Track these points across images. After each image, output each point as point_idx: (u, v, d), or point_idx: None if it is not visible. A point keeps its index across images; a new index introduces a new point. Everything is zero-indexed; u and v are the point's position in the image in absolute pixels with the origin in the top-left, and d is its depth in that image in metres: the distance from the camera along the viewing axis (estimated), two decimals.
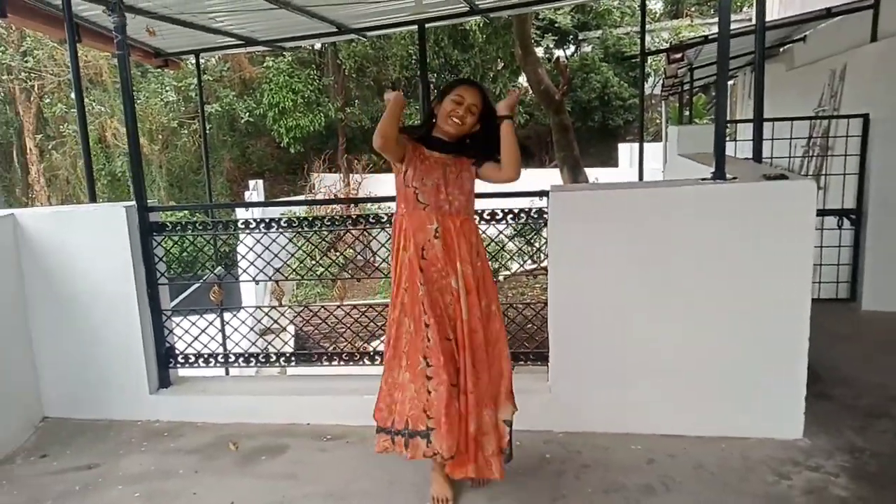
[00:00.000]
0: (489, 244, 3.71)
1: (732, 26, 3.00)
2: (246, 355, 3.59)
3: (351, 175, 19.17)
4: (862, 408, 3.26)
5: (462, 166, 2.53)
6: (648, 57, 11.57)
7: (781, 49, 9.23)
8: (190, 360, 3.61)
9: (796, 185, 2.84)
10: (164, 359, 3.56)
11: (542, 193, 3.18)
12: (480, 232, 3.08)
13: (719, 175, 2.94)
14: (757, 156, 3.71)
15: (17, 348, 3.43)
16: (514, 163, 2.46)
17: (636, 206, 2.98)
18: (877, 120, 4.73)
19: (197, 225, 3.64)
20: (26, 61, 17.46)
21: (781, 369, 2.91)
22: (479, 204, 3.10)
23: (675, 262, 2.93)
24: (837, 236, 4.85)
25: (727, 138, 3.09)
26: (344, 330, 3.69)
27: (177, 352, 3.62)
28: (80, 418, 3.53)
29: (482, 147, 2.54)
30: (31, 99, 18.25)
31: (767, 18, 4.53)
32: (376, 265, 3.78)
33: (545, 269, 3.24)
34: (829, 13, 6.19)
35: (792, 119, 5.34)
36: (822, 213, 4.64)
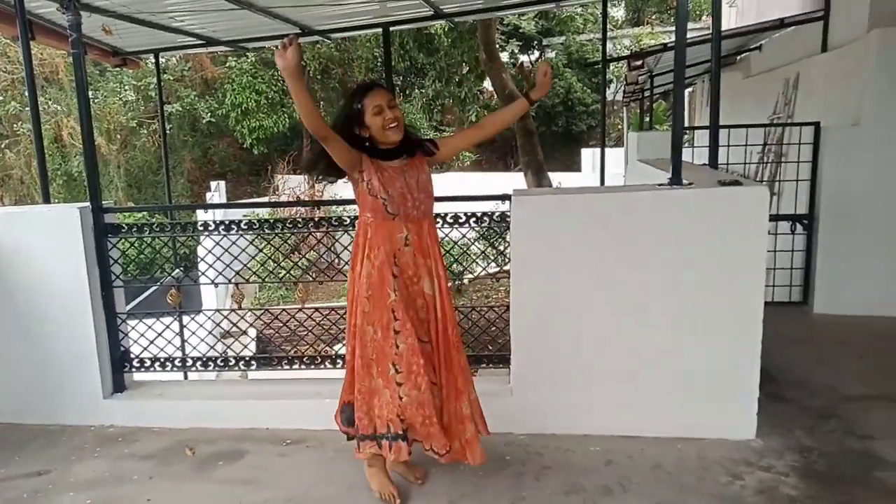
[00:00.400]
0: (452, 247, 3.73)
1: (690, 35, 3.08)
2: (204, 359, 3.53)
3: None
4: (813, 408, 3.36)
5: (419, 168, 2.54)
6: (610, 64, 11.77)
7: (738, 58, 9.50)
8: (146, 365, 3.53)
9: (750, 191, 2.92)
10: (119, 363, 3.48)
11: (504, 197, 3.21)
12: (442, 235, 3.13)
13: (676, 180, 3.01)
14: (713, 162, 3.80)
15: None
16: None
17: (596, 211, 3.02)
18: (828, 128, 4.89)
19: (155, 226, 3.57)
20: None
21: (736, 371, 2.98)
22: (443, 207, 3.13)
23: (633, 266, 2.98)
24: (791, 241, 5.00)
25: (685, 144, 3.17)
26: (306, 333, 3.66)
27: (132, 355, 3.54)
28: (32, 424, 3.43)
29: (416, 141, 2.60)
30: None
31: (724, 27, 4.65)
32: (339, 268, 3.76)
33: (506, 272, 3.27)
34: (782, 24, 6.39)
35: (747, 126, 5.48)
36: (775, 217, 4.78)
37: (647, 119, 12.25)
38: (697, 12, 20.45)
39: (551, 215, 3.07)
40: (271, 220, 3.51)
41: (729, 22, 10.63)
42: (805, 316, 4.94)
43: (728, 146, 4.95)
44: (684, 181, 3.01)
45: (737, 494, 2.62)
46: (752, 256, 2.90)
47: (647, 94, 11.62)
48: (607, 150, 8.20)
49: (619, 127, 19.53)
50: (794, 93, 6.40)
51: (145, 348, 3.55)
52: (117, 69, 17.01)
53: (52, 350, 3.37)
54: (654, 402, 3.06)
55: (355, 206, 2.62)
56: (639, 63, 7.56)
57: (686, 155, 3.28)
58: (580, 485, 2.72)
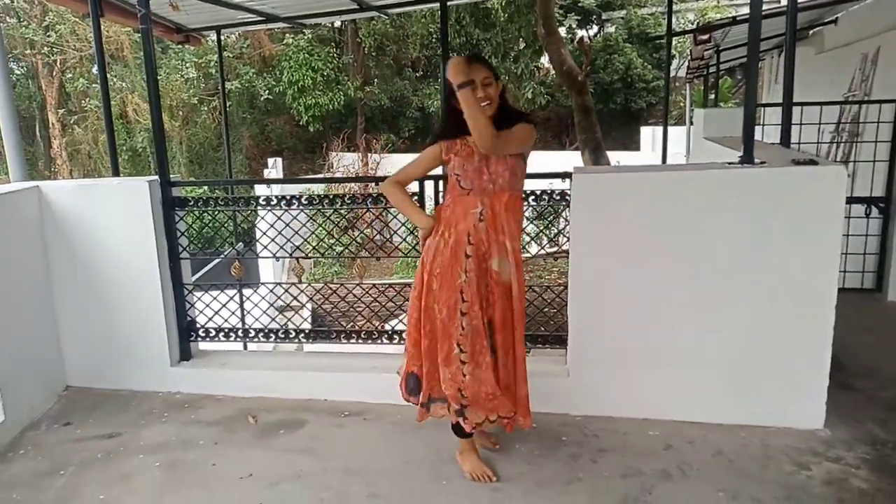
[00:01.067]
0: None
1: (763, 7, 2.92)
2: (265, 330, 3.62)
3: (369, 154, 19.16)
4: (884, 400, 3.21)
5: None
6: (674, 38, 11.36)
7: (811, 32, 9.01)
8: (210, 334, 3.64)
9: (826, 170, 2.78)
10: (185, 332, 3.60)
11: (565, 175, 3.15)
12: None
13: (747, 159, 2.88)
14: (785, 140, 3.63)
15: (42, 318, 3.48)
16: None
17: (661, 190, 2.93)
18: None
19: (218, 201, 3.65)
20: (48, 36, 17.57)
21: (804, 358, 2.87)
22: None
23: (699, 248, 2.89)
24: (865, 225, 4.76)
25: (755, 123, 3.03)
26: (363, 308, 3.70)
27: (198, 325, 3.65)
28: (103, 388, 3.59)
29: (506, 105, 2.54)
30: (54, 73, 18.39)
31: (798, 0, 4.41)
32: (395, 244, 3.77)
33: (564, 252, 3.21)
34: None
35: (821, 104, 5.21)
36: (849, 200, 4.55)
37: (712, 96, 11.80)
38: None
39: (613, 194, 2.99)
40: (330, 196, 3.54)
41: None
42: (878, 304, 4.72)
43: (800, 125, 4.72)
44: (756, 160, 2.88)
45: (803, 485, 2.54)
46: (827, 240, 2.77)
47: (712, 70, 11.19)
48: (669, 128, 7.96)
49: (682, 104, 18.89)
50: (872, 68, 6.05)
51: (210, 319, 3.65)
52: (179, 47, 17.48)
53: (123, 319, 3.50)
54: (717, 387, 2.98)
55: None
56: (705, 37, 7.27)
57: (755, 134, 3.14)
58: (638, 468, 2.68)
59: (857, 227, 4.69)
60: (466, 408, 2.50)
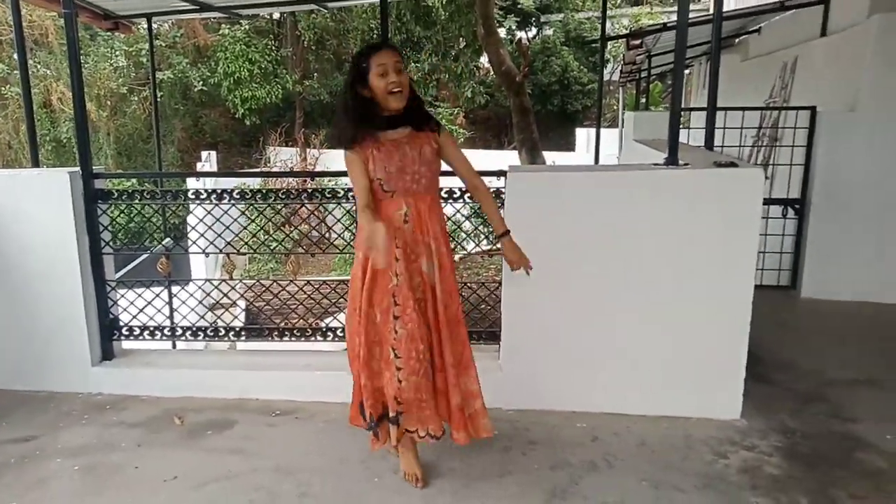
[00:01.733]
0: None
1: (690, 15, 3.05)
2: (194, 328, 3.52)
3: (308, 150, 18.86)
4: (798, 391, 3.40)
5: (424, 141, 2.44)
6: (608, 42, 11.67)
7: (737, 40, 9.44)
8: (135, 333, 3.52)
9: (745, 172, 2.92)
10: (108, 331, 3.46)
11: (499, 173, 3.19)
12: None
13: (672, 161, 3.00)
14: (709, 143, 3.79)
15: None
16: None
17: (592, 190, 3.01)
18: (823, 112, 4.88)
19: (145, 194, 3.52)
20: None
21: (723, 352, 3.01)
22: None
23: (626, 245, 2.98)
24: (781, 225, 5.02)
25: (681, 126, 3.15)
26: (297, 305, 3.64)
27: (121, 324, 3.52)
28: (19, 390, 3.43)
29: (416, 98, 2.46)
30: None
31: (724, 9, 4.61)
32: (332, 241, 3.74)
33: (494, 251, 3.25)
34: (782, 6, 6.35)
35: (743, 109, 5.46)
36: (767, 202, 4.79)
37: (643, 100, 12.18)
38: None
39: (546, 192, 3.05)
40: (264, 191, 3.48)
41: (729, 3, 10.53)
42: (793, 300, 4.98)
43: (724, 129, 4.94)
44: (680, 161, 3.00)
45: (721, 473, 2.66)
46: (745, 239, 2.91)
47: (643, 74, 11.54)
48: (602, 130, 8.16)
49: (615, 107, 19.45)
50: (791, 77, 6.38)
51: (134, 316, 3.53)
52: (108, 34, 16.74)
53: (41, 316, 3.35)
54: (641, 380, 3.09)
55: (347, 179, 2.61)
56: (637, 42, 7.50)
57: (681, 136, 3.27)
58: (566, 460, 2.75)
59: (775, 226, 4.95)
60: (401, 415, 2.44)
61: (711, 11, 3.81)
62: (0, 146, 17.84)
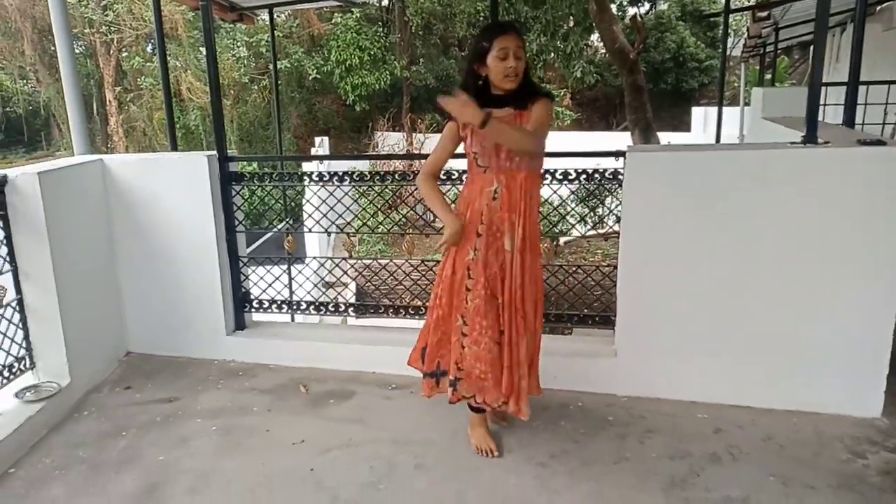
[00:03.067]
0: (552, 208, 3.65)
1: None
2: (316, 303, 3.70)
3: (414, 134, 19.18)
4: None
5: (522, 120, 2.44)
6: (731, 15, 10.99)
7: (878, 8, 8.61)
8: (263, 306, 3.74)
9: (894, 151, 2.67)
10: (240, 303, 3.70)
11: (618, 154, 3.11)
12: (549, 192, 3.07)
13: (811, 139, 2.79)
14: (849, 121, 3.50)
15: (105, 286, 3.62)
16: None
17: (720, 170, 2.86)
18: None
19: (273, 176, 3.72)
20: (106, 15, 18.06)
21: (864, 344, 2.78)
22: (552, 163, 3.06)
23: (758, 230, 2.81)
24: None
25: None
26: (410, 284, 3.74)
27: (251, 297, 3.76)
28: (161, 355, 3.73)
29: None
30: (111, 52, 18.93)
31: None
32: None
33: (614, 233, 3.18)
34: None
35: (888, 82, 4.99)
36: None
37: (769, 76, 11.39)
38: None
39: (669, 173, 2.94)
40: (381, 173, 3.58)
41: None
42: None
43: (865, 105, 4.55)
44: (820, 140, 2.79)
45: (859, 473, 2.48)
46: (894, 224, 2.67)
47: (769, 49, 10.80)
48: (723, 109, 7.73)
49: (736, 84, 18.32)
50: None
51: (263, 291, 3.75)
52: (230, 26, 17.75)
53: (181, 288, 3.63)
54: (769, 371, 2.92)
55: (454, 163, 2.65)
56: (765, 14, 7.01)
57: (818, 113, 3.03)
58: (686, 450, 2.66)
59: None
60: (459, 381, 2.53)
61: None
62: (136, 133, 19.44)
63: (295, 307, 3.74)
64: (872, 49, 7.94)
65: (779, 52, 12.74)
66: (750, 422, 2.85)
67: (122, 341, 3.76)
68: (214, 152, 3.55)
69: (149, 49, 19.04)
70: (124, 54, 18.77)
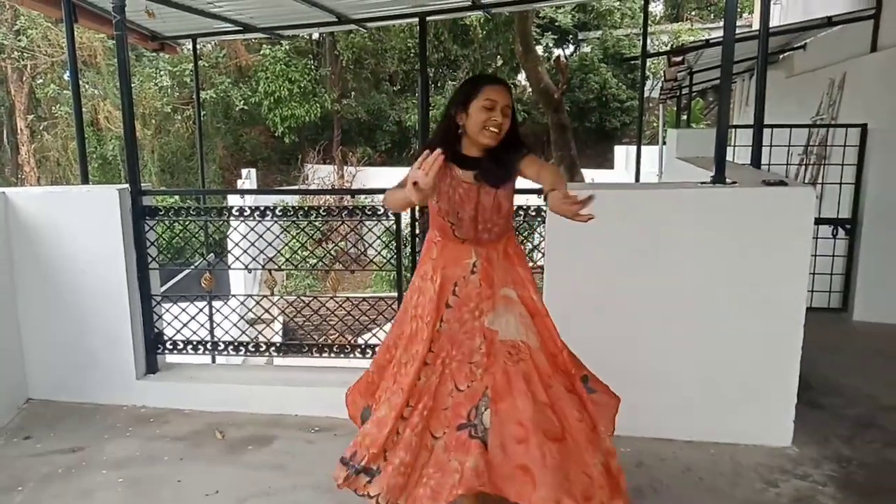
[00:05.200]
0: None
1: (735, 32, 2.99)
2: (235, 343, 3.56)
3: (345, 167, 19.11)
4: (851, 417, 3.27)
5: (483, 195, 2.16)
6: (648, 59, 11.57)
7: (781, 56, 9.26)
8: (178, 347, 3.57)
9: (796, 191, 2.84)
10: (153, 344, 3.52)
11: (540, 192, 3.15)
12: None
13: (719, 179, 2.93)
14: (756, 161, 3.70)
15: (4, 328, 3.38)
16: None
17: (636, 208, 2.96)
18: (875, 130, 4.74)
19: (190, 210, 3.59)
20: (19, 40, 17.27)
21: (773, 376, 2.90)
22: None
23: (672, 266, 2.92)
24: (831, 246, 4.86)
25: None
26: (336, 322, 3.66)
27: (165, 338, 3.58)
28: (66, 401, 3.50)
29: (514, 146, 2.17)
30: (24, 79, 18.06)
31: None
32: (370, 258, 3.75)
33: (539, 268, 3.22)
34: (829, 22, 6.20)
35: (790, 126, 5.33)
36: (817, 221, 4.63)
37: (685, 117, 12.02)
38: (739, 9, 20.04)
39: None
40: (305, 208, 3.52)
41: (773, 19, 10.36)
42: (844, 323, 4.81)
43: (770, 146, 4.83)
44: (728, 180, 2.93)
45: (772, 502, 2.56)
46: (796, 260, 2.82)
47: (685, 91, 11.41)
48: (643, 147, 8.07)
49: (655, 124, 19.25)
50: (839, 93, 6.21)
51: (178, 331, 3.58)
52: (153, 54, 17.29)
53: (88, 329, 3.42)
54: (688, 404, 3.00)
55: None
56: (679, 59, 7.41)
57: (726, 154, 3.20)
58: None
59: (825, 247, 4.79)
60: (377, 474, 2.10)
61: (755, 28, 3.74)
62: (49, 163, 18.52)
63: (213, 348, 3.58)
64: (777, 94, 8.52)
65: (694, 94, 13.47)
66: (671, 454, 2.90)
67: (21, 387, 3.50)
68: (127, 185, 3.40)
69: (65, 76, 18.26)
70: (38, 81, 17.94)
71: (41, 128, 18.39)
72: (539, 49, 18.98)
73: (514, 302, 2.18)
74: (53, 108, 17.93)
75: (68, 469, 2.89)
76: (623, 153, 18.53)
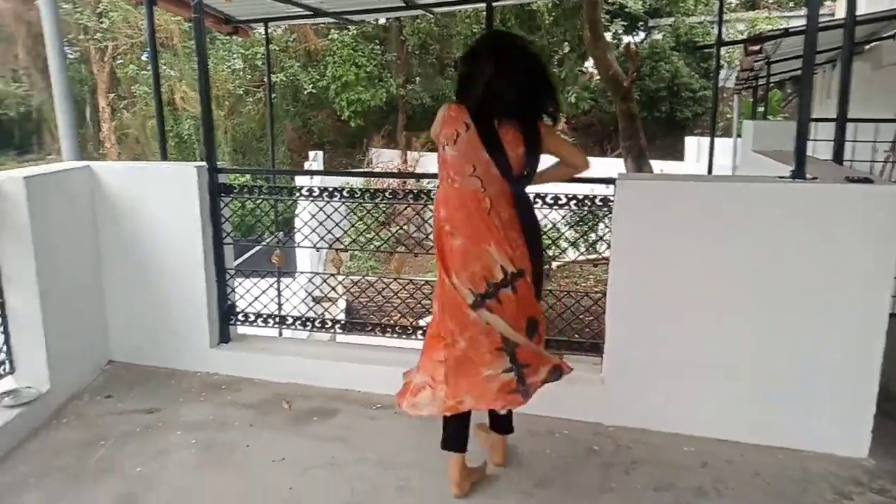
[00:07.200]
0: (548, 229, 3.65)
1: (819, 20, 2.85)
2: (303, 319, 3.66)
3: (409, 152, 19.23)
4: None
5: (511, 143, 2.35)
6: (723, 48, 11.16)
7: (867, 46, 8.77)
8: (249, 319, 3.70)
9: (882, 189, 2.69)
10: (226, 315, 3.66)
11: (608, 181, 3.12)
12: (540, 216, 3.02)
13: (799, 174, 2.81)
14: (838, 157, 3.54)
15: (89, 294, 3.57)
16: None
17: (709, 201, 2.88)
18: None
19: (262, 189, 3.70)
20: (101, 22, 18.06)
21: (851, 383, 2.78)
22: (541, 188, 3.04)
23: (745, 262, 2.82)
24: None
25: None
26: (399, 304, 3.71)
27: (237, 310, 3.72)
28: (144, 365, 3.67)
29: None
30: (105, 59, 18.91)
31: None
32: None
33: (602, 259, 3.18)
34: None
35: (877, 121, 5.07)
36: None
37: (761, 109, 11.55)
38: None
39: (660, 203, 2.95)
40: (371, 191, 3.57)
41: (860, 7, 9.80)
42: None
43: (854, 142, 4.60)
44: (808, 175, 2.82)
45: None
46: (880, 262, 2.68)
47: (761, 82, 10.96)
48: (716, 139, 7.81)
49: (729, 115, 18.55)
50: None
51: (249, 304, 3.72)
52: (227, 38, 17.79)
53: (167, 299, 3.58)
54: (757, 406, 2.90)
55: None
56: (756, 48, 7.12)
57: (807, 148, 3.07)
58: (672, 483, 2.64)
59: None
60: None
61: (839, 16, 3.56)
62: (128, 140, 19.38)
63: (282, 321, 3.70)
64: (863, 87, 8.09)
65: (771, 85, 12.94)
66: (738, 456, 2.82)
67: (104, 349, 3.70)
68: (204, 163, 3.53)
69: (143, 57, 19.01)
70: (119, 62, 18.74)
71: (121, 106, 19.24)
72: (608, 36, 18.55)
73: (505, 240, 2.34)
74: (133, 87, 18.70)
75: (146, 428, 3.05)
76: (694, 144, 17.94)
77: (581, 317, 3.42)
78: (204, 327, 3.56)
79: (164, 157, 4.10)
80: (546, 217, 3.24)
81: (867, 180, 2.78)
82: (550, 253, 3.85)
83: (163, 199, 3.53)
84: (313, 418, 3.14)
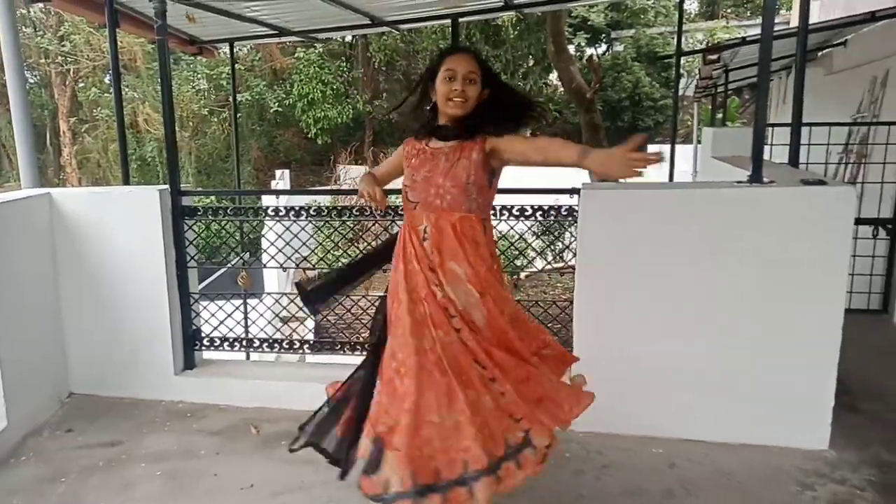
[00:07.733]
0: (516, 240, 3.68)
1: (773, 29, 2.94)
2: (270, 340, 3.62)
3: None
4: (890, 422, 3.19)
5: (462, 153, 2.13)
6: (682, 58, 11.40)
7: (819, 53, 9.04)
8: (215, 344, 3.65)
9: (836, 191, 2.78)
10: (190, 341, 3.60)
11: (573, 191, 3.15)
12: (506, 228, 3.04)
13: (756, 178, 2.89)
14: (794, 160, 3.63)
15: (48, 324, 3.49)
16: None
17: (671, 208, 2.93)
18: None
19: (227, 210, 3.67)
20: (63, 45, 17.79)
21: (810, 378, 2.85)
22: (508, 199, 3.08)
23: (707, 266, 2.88)
24: (872, 246, 4.74)
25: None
26: (367, 320, 3.68)
27: (202, 335, 3.66)
28: (106, 396, 3.59)
29: (493, 113, 2.18)
30: (67, 83, 18.61)
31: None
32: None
33: (569, 267, 3.21)
34: (873, 17, 6.05)
35: (830, 124, 5.22)
36: (857, 221, 4.52)
37: (720, 116, 11.81)
38: (777, 5, 19.60)
39: (623, 210, 2.99)
40: (338, 208, 3.56)
41: (812, 16, 10.12)
42: (884, 325, 4.69)
43: (808, 145, 4.73)
44: (765, 179, 2.89)
45: None
46: (835, 261, 2.76)
47: (720, 89, 11.22)
48: (676, 147, 7.96)
49: (689, 123, 18.95)
50: (882, 91, 6.06)
51: (215, 328, 3.66)
52: (191, 58, 17.67)
53: (128, 326, 3.51)
54: (722, 405, 2.96)
55: None
56: (715, 57, 7.30)
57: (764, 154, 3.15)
58: (642, 487, 2.66)
59: (864, 248, 4.68)
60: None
61: (794, 24, 3.67)
62: (90, 164, 19.04)
63: (248, 345, 3.65)
64: (815, 92, 8.32)
65: (729, 92, 13.23)
66: (704, 456, 2.87)
67: (64, 382, 3.61)
68: (167, 186, 3.49)
69: (106, 80, 18.77)
70: (80, 85, 18.47)
71: (83, 130, 18.91)
72: (571, 48, 18.85)
73: (460, 279, 2.10)
74: (94, 110, 18.43)
75: (108, 462, 2.97)
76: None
77: (549, 325, 3.43)
78: (168, 354, 3.50)
79: (127, 181, 4.04)
80: (513, 228, 3.27)
81: (821, 182, 2.87)
82: (518, 263, 3.86)
83: (124, 225, 3.47)
84: (282, 442, 3.09)
